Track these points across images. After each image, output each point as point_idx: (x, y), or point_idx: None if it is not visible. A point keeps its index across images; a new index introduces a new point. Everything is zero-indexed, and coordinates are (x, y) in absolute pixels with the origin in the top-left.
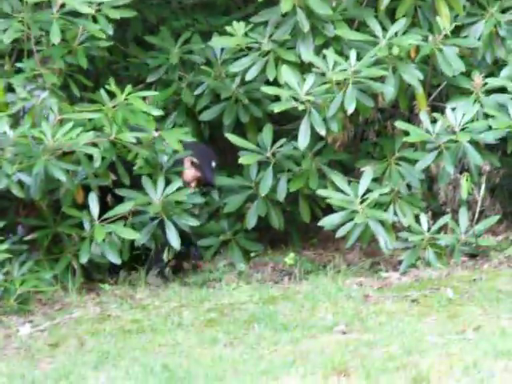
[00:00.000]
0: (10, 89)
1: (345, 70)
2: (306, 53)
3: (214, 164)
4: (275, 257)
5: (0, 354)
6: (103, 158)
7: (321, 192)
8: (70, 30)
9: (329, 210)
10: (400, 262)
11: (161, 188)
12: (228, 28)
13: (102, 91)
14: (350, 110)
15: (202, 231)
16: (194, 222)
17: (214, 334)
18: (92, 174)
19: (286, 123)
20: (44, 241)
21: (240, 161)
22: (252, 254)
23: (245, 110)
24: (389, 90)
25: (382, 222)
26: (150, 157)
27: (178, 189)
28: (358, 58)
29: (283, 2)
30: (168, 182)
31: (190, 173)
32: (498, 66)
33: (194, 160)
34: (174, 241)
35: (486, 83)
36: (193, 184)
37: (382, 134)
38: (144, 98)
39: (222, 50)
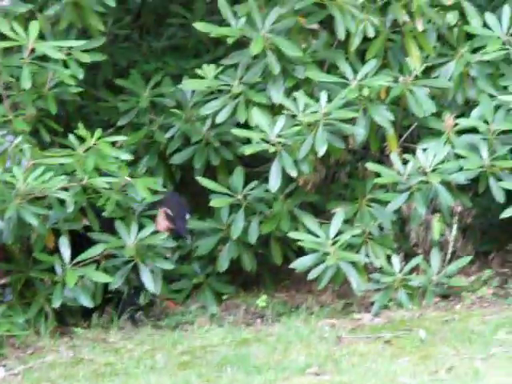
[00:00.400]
0: None
1: (315, 112)
2: (277, 95)
3: (187, 216)
4: (247, 299)
5: None
6: (75, 203)
7: (292, 235)
8: (40, 74)
9: (301, 252)
10: (372, 304)
11: (134, 232)
12: (198, 71)
13: (72, 136)
14: (321, 151)
15: (174, 274)
16: (169, 266)
17: (186, 376)
18: (62, 219)
19: (257, 165)
20: (16, 285)
21: (211, 204)
22: (224, 297)
23: (215, 153)
24: (359, 132)
25: (354, 264)
26: (122, 202)
27: (152, 233)
28: (329, 100)
29: (253, 45)
30: (141, 226)
31: (163, 224)
32: (469, 106)
33: (169, 212)
34: (150, 284)
35: (456, 124)
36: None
37: (353, 176)
38: (114, 143)
39: (193, 92)
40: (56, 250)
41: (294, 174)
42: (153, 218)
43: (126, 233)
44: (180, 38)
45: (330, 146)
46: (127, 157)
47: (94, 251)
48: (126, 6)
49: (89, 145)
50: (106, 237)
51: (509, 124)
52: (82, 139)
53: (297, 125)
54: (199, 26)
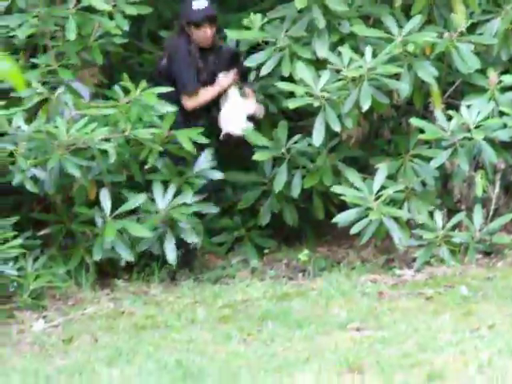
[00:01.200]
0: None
1: (360, 66)
2: (322, 49)
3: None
4: (289, 253)
5: (14, 349)
6: (118, 154)
7: (335, 189)
8: (85, 25)
9: (343, 206)
10: (414, 260)
11: (169, 197)
12: (245, 21)
13: (117, 87)
14: (365, 106)
15: (216, 227)
16: (195, 239)
17: (227, 330)
18: (105, 170)
19: (301, 119)
20: (58, 236)
21: (254, 157)
22: (266, 251)
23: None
24: (404, 87)
25: (397, 219)
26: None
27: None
28: (374, 55)
29: None
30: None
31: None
32: None
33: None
34: (171, 253)
35: (501, 81)
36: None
37: (397, 131)
38: (158, 95)
39: (238, 43)
40: (97, 202)
41: (337, 128)
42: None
43: (161, 196)
44: None
45: (375, 101)
46: (171, 108)
47: (133, 203)
48: None
49: (133, 96)
50: (141, 197)
51: None
52: (126, 90)
53: (341, 79)
54: None
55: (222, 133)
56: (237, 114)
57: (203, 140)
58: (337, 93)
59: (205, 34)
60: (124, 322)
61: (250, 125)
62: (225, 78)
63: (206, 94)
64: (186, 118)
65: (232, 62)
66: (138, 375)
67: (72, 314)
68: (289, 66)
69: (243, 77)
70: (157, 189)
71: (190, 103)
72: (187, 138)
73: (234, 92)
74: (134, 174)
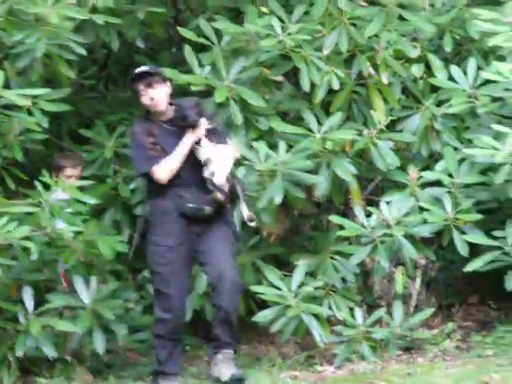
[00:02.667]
0: None
1: (274, 161)
2: (238, 145)
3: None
4: (210, 351)
5: None
6: (40, 252)
7: (255, 288)
8: (5, 123)
9: (264, 303)
10: (335, 356)
11: (92, 290)
12: None
13: (37, 183)
14: (278, 199)
15: (138, 325)
16: (123, 331)
17: None
18: (26, 269)
19: None
20: None
21: None
22: (187, 348)
23: None
24: (320, 182)
25: (317, 316)
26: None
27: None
28: (291, 151)
29: (217, 94)
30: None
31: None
32: (433, 159)
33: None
34: (100, 345)
35: (421, 177)
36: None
37: (317, 228)
38: (81, 189)
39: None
40: (19, 300)
41: (253, 224)
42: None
43: (85, 291)
44: None
45: (290, 196)
46: (94, 201)
47: (57, 302)
48: (93, 55)
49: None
50: (64, 297)
51: (473, 177)
52: (47, 187)
53: (257, 174)
54: (166, 73)
55: (218, 195)
56: (222, 162)
57: (124, 249)
58: (253, 188)
59: (146, 96)
60: None
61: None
62: (187, 136)
63: (172, 160)
64: (172, 192)
65: (182, 120)
66: None
67: None
68: None
69: (212, 123)
70: (78, 284)
71: (160, 176)
72: (108, 245)
73: (206, 143)
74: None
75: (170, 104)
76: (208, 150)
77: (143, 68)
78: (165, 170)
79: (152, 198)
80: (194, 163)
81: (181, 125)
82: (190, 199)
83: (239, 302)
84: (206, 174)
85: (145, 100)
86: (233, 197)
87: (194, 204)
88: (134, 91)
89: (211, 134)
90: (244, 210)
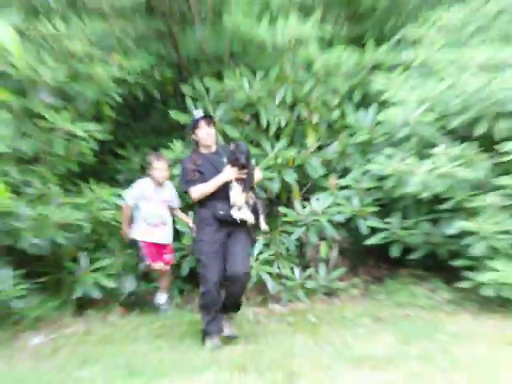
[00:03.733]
0: None
1: None
2: None
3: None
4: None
5: (16, 356)
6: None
7: None
8: (68, 147)
9: None
10: (281, 298)
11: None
12: (170, 145)
13: (84, 186)
14: None
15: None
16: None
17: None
18: (82, 239)
19: None
20: (51, 282)
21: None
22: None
23: None
24: (274, 186)
25: (270, 273)
26: None
27: None
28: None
29: None
30: None
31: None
32: (346, 171)
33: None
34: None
35: (338, 183)
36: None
37: (271, 215)
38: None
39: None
40: (77, 260)
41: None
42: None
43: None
44: (159, 122)
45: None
46: (122, 202)
47: (104, 262)
48: (125, 102)
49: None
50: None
51: (371, 183)
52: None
53: None
54: (172, 114)
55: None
56: (236, 203)
57: (111, 284)
58: None
59: (205, 132)
60: (91, 338)
61: (249, 215)
62: (226, 172)
63: (206, 186)
64: (209, 203)
65: (233, 160)
66: (102, 372)
67: (58, 333)
68: None
69: (246, 173)
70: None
71: (193, 195)
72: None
73: (234, 185)
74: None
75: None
76: (235, 194)
77: (205, 114)
78: (198, 192)
79: (197, 208)
80: (225, 185)
81: (232, 163)
82: (221, 208)
83: (246, 288)
84: (233, 213)
85: (202, 133)
86: (254, 213)
87: (223, 211)
88: (194, 127)
89: (244, 176)
90: (262, 224)
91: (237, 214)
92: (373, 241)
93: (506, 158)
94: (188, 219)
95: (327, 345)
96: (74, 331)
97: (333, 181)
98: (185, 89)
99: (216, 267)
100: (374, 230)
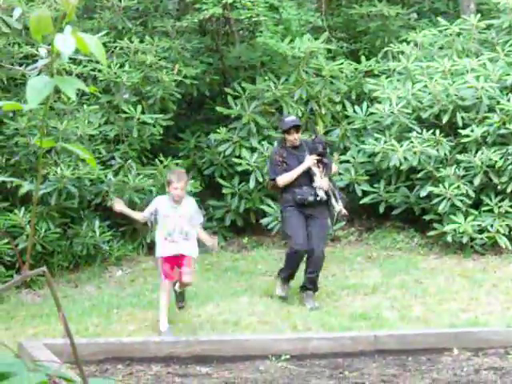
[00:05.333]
0: None
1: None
2: None
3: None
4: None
5: (106, 284)
6: (156, 192)
7: (261, 207)
8: (141, 131)
9: (265, 215)
10: None
11: None
12: (218, 130)
13: (157, 161)
14: None
15: None
16: None
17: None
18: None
19: None
20: (128, 230)
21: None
22: None
23: None
24: None
25: None
26: None
27: None
28: None
29: (243, 119)
30: None
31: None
32: (345, 150)
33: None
34: None
35: (339, 158)
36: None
37: None
38: (177, 164)
39: (214, 140)
40: None
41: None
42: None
43: None
44: (209, 114)
45: None
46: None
47: None
48: (184, 98)
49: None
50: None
51: (364, 158)
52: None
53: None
54: (219, 108)
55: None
56: (320, 185)
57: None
58: None
59: (293, 136)
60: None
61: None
62: (306, 161)
63: (290, 174)
64: (290, 189)
65: (313, 149)
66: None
67: (134, 268)
68: None
69: (323, 159)
70: None
71: (279, 182)
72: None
73: (316, 170)
74: None
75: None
76: (318, 177)
77: (296, 120)
78: (284, 180)
79: (280, 193)
80: (304, 173)
81: (311, 152)
82: (299, 193)
83: (322, 267)
84: (318, 192)
85: (291, 137)
86: (330, 198)
87: (301, 196)
88: (285, 131)
89: (322, 161)
90: (342, 209)
91: (321, 194)
92: (365, 201)
93: (463, 140)
94: (207, 237)
95: (331, 276)
96: (146, 267)
97: (336, 157)
98: (227, 90)
99: (302, 233)
100: (365, 193)
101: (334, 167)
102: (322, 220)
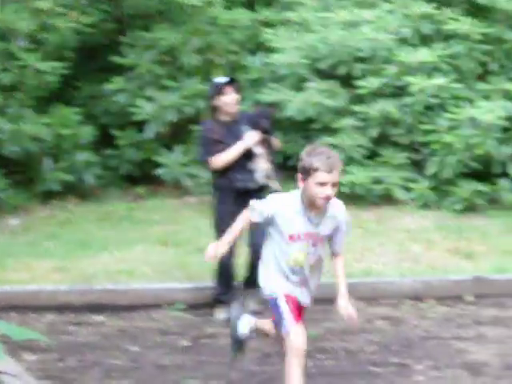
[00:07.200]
0: None
1: None
2: None
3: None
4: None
5: (1, 233)
6: None
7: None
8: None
9: None
10: (193, 192)
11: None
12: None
13: None
14: None
15: None
16: None
17: None
18: None
19: None
20: (25, 180)
21: None
22: None
23: None
24: (190, 111)
25: (187, 173)
26: None
27: None
28: None
29: None
30: None
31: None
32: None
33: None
34: None
35: None
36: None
37: (186, 132)
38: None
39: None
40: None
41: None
42: None
43: None
44: (106, 63)
45: None
46: None
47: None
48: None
49: None
50: None
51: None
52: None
53: None
54: (114, 58)
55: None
56: (263, 169)
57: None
58: None
59: (231, 97)
60: (54, 221)
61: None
62: (247, 138)
63: (227, 154)
64: (224, 174)
65: (255, 124)
66: (63, 244)
67: (29, 217)
68: None
69: (267, 134)
70: None
71: (214, 164)
72: None
73: (259, 151)
74: None
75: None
76: (261, 161)
77: (229, 79)
78: (220, 161)
79: (213, 177)
80: (245, 153)
81: (254, 127)
82: (239, 178)
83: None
84: (258, 178)
85: (228, 99)
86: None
87: (241, 182)
88: (218, 92)
89: (267, 140)
90: (276, 185)
91: (260, 180)
92: None
93: (360, 91)
94: None
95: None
96: (41, 216)
97: None
98: (123, 38)
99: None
100: None
101: (277, 142)
102: None
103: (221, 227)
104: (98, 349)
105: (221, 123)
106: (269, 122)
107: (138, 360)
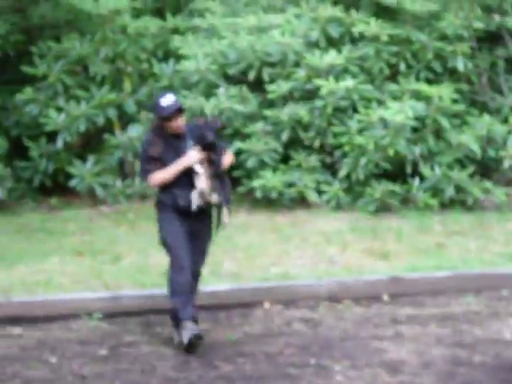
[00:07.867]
0: None
1: None
2: None
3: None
4: None
5: None
6: None
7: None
8: None
9: None
10: (108, 202)
11: None
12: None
13: None
14: None
15: None
16: None
17: None
18: None
19: None
20: None
21: None
22: None
23: None
24: (100, 121)
25: (100, 183)
26: None
27: None
28: None
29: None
30: None
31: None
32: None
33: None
34: None
35: (149, 117)
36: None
37: (99, 141)
38: None
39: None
40: None
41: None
42: None
43: None
44: (15, 74)
45: None
46: None
47: None
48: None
49: None
50: None
51: None
52: None
53: None
54: (24, 68)
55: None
56: (202, 189)
57: None
58: None
59: (176, 123)
60: None
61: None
62: (188, 156)
63: (165, 173)
64: (167, 189)
65: (199, 139)
66: None
67: None
68: None
69: (212, 147)
70: None
71: (152, 181)
72: None
73: (199, 169)
74: None
75: None
76: (200, 180)
77: (176, 101)
78: (157, 180)
79: (159, 193)
80: (187, 172)
81: (198, 142)
82: (181, 196)
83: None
84: (193, 198)
85: (174, 125)
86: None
87: (184, 201)
88: (166, 118)
89: (211, 157)
90: (226, 216)
91: (196, 201)
92: None
93: (270, 96)
94: None
95: (142, 235)
96: None
97: (143, 116)
98: (33, 48)
99: (185, 248)
100: None
101: (229, 157)
102: (205, 226)
103: (167, 242)
104: (17, 361)
105: (163, 137)
106: (214, 134)
107: (57, 371)
